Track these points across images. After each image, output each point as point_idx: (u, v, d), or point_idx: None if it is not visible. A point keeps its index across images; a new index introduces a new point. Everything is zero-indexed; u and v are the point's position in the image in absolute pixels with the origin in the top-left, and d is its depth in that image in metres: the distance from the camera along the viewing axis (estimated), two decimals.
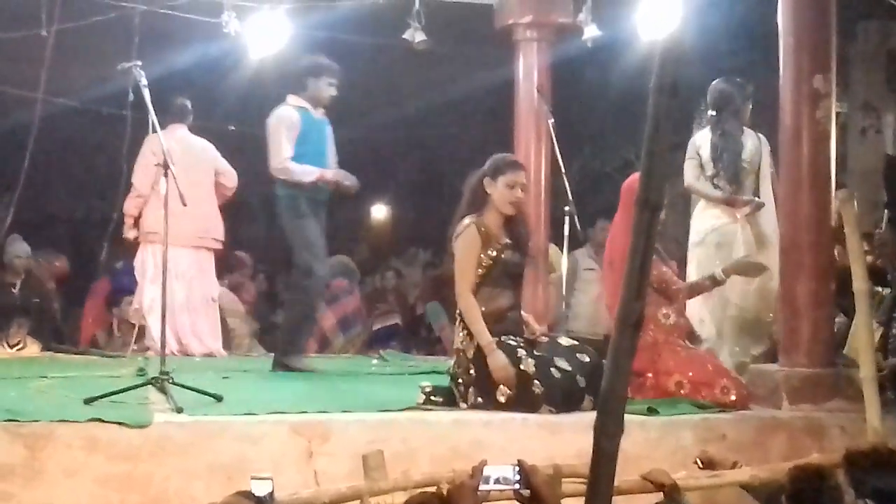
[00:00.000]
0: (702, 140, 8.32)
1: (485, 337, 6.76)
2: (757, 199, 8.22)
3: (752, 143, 8.30)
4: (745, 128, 8.36)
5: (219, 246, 10.39)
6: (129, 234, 10.23)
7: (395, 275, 14.84)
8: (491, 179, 6.99)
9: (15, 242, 10.99)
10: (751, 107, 8.51)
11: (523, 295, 7.38)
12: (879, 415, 6.45)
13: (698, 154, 8.31)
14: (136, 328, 10.01)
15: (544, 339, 7.05)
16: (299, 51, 10.83)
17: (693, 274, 8.19)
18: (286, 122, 8.89)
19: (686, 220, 8.65)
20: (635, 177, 7.72)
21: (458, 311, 6.98)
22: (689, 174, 8.31)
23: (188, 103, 10.24)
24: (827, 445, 6.56)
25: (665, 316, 7.38)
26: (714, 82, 8.38)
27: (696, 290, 7.71)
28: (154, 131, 7.64)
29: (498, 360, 6.71)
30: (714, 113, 8.33)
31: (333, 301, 12.17)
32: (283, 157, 8.70)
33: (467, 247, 6.89)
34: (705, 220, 8.35)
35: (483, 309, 6.85)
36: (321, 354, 11.25)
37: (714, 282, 7.59)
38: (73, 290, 12.58)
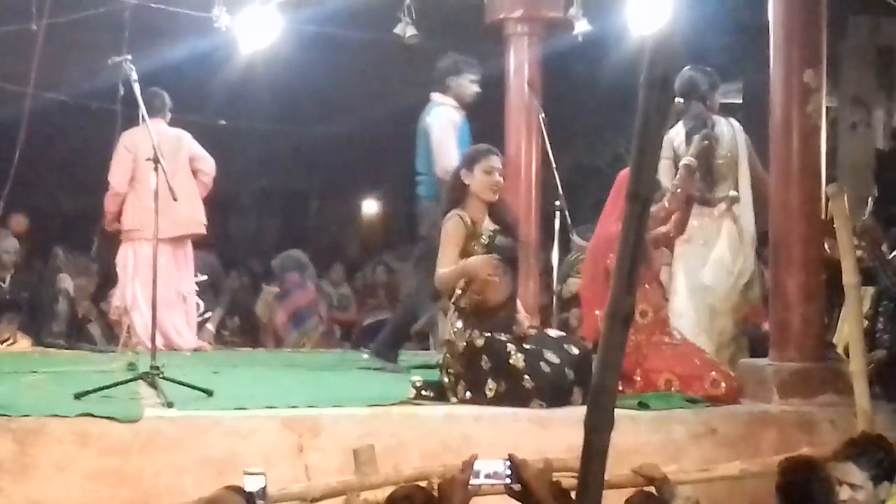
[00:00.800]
0: (675, 135, 8.25)
1: (457, 269, 6.83)
2: (733, 192, 8.15)
3: (727, 132, 8.22)
4: (715, 116, 8.30)
5: (202, 230, 10.34)
6: (111, 227, 10.23)
7: (385, 270, 14.83)
8: (467, 170, 7.05)
9: (4, 237, 10.97)
10: (718, 94, 8.48)
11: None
12: (870, 407, 6.46)
13: (674, 151, 8.23)
14: (126, 324, 9.99)
15: (533, 331, 7.06)
16: (289, 45, 10.83)
17: (680, 271, 8.16)
18: (452, 124, 8.80)
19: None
20: (626, 171, 7.74)
21: (452, 302, 6.99)
22: (664, 176, 8.05)
23: (163, 95, 10.19)
24: (817, 439, 6.58)
25: (643, 314, 7.36)
26: (682, 70, 8.32)
27: (679, 220, 7.70)
28: (141, 125, 7.63)
29: (474, 262, 6.79)
30: (682, 100, 8.27)
31: (285, 296, 12.17)
32: (453, 160, 8.32)
33: (451, 229, 6.94)
34: (691, 218, 8.33)
35: (479, 300, 6.86)
36: (276, 350, 11.21)
37: (688, 171, 7.63)
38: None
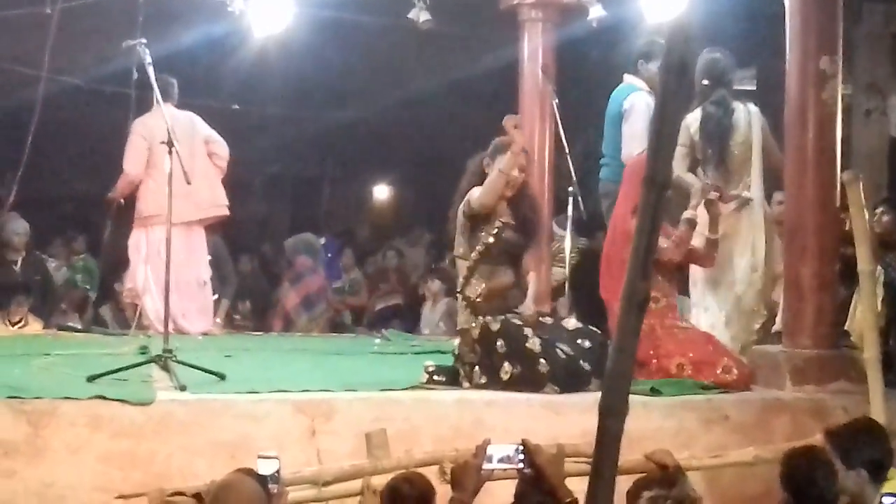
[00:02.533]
0: (692, 121, 8.20)
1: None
2: (745, 193, 8.09)
3: (743, 120, 8.17)
4: (735, 102, 8.24)
5: (224, 212, 10.33)
6: (114, 197, 10.20)
7: (396, 254, 14.83)
8: (491, 161, 6.99)
9: (14, 220, 10.98)
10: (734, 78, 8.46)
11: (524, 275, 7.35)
12: (883, 395, 6.46)
13: (691, 138, 8.17)
14: (138, 307, 10.00)
15: (549, 320, 7.03)
16: (303, 30, 10.82)
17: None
18: (649, 110, 8.56)
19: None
20: (638, 157, 7.70)
21: (458, 291, 6.98)
22: (678, 165, 7.95)
23: (173, 82, 10.17)
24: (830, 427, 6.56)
25: (654, 301, 7.34)
26: (704, 52, 8.25)
27: (680, 244, 7.60)
28: (155, 110, 7.62)
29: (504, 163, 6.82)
30: (707, 82, 8.20)
31: (297, 280, 12.16)
32: (638, 148, 8.30)
33: (489, 183, 6.88)
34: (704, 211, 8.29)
35: (484, 285, 6.85)
36: (285, 334, 11.20)
37: (690, 224, 7.55)
38: None
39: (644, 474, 5.23)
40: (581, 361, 6.73)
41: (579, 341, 6.83)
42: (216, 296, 10.76)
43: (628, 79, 8.96)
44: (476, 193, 6.88)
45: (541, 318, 7.01)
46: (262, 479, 4.53)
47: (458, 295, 7.03)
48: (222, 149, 10.32)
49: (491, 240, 6.90)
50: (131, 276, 10.19)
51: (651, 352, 7.23)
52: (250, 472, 4.55)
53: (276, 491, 4.58)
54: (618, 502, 3.64)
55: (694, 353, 7.25)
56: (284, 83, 14.54)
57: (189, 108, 10.32)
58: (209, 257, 10.46)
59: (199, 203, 9.69)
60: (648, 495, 4.78)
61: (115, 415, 5.86)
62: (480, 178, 6.99)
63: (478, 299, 6.89)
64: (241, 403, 6.13)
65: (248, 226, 17.79)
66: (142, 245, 10.02)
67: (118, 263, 11.00)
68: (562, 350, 6.72)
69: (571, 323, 7.03)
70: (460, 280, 6.98)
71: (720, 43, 8.42)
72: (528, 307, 7.07)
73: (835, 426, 5.44)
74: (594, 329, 7.02)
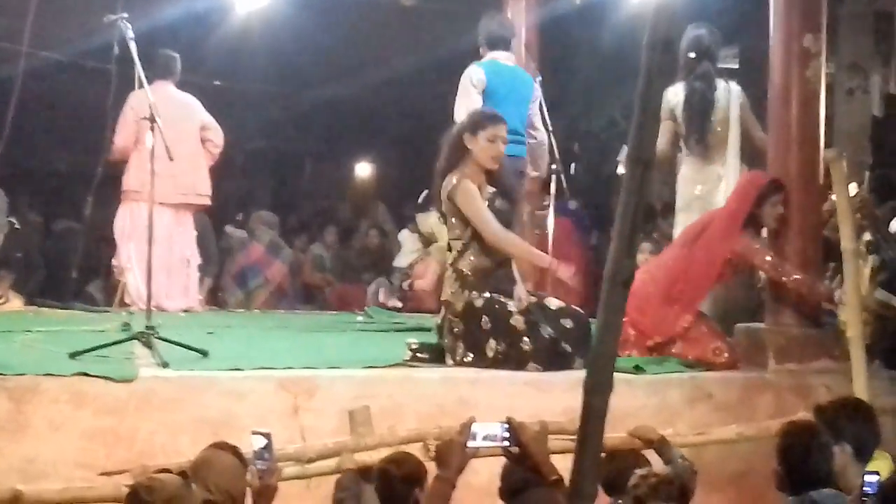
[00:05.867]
0: (675, 95, 8.20)
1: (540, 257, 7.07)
2: (720, 170, 8.10)
3: (723, 98, 8.18)
4: (717, 79, 8.26)
5: (205, 202, 10.30)
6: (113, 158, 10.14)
7: (378, 233, 14.81)
8: (471, 135, 6.93)
9: None
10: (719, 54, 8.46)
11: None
12: (865, 373, 6.48)
13: (671, 112, 8.17)
14: (121, 283, 9.97)
15: (533, 299, 7.00)
16: (286, 6, 10.78)
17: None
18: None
19: (673, 180, 8.57)
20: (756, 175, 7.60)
21: (450, 264, 6.96)
22: (660, 138, 7.88)
23: (176, 57, 10.12)
24: (813, 404, 6.56)
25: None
26: (689, 27, 8.25)
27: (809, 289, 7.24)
28: (140, 86, 7.58)
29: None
30: (693, 55, 8.20)
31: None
32: None
33: (473, 195, 6.85)
34: (688, 186, 8.30)
35: (476, 262, 6.85)
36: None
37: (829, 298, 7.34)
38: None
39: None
40: (563, 343, 6.72)
41: (562, 321, 6.82)
42: (200, 275, 10.72)
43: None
44: (481, 211, 6.88)
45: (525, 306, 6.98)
46: (239, 453, 4.54)
47: (448, 268, 7.00)
48: (217, 135, 10.27)
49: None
50: (117, 253, 10.16)
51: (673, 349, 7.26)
52: (227, 446, 4.57)
53: (267, 467, 4.59)
54: None
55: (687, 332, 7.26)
56: (267, 59, 14.50)
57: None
58: (195, 233, 10.41)
59: (179, 187, 9.64)
60: (640, 473, 4.79)
61: (97, 391, 5.85)
62: (459, 154, 6.96)
63: (468, 273, 6.87)
64: (224, 380, 6.12)
65: (230, 202, 17.76)
66: (126, 222, 9.98)
67: (102, 239, 10.96)
68: (545, 330, 6.71)
69: (554, 302, 7.00)
70: (453, 254, 6.95)
71: (703, 21, 8.41)
72: (520, 292, 7.01)
73: (823, 403, 5.47)
74: (577, 309, 7.00)
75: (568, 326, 6.78)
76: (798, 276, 7.03)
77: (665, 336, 7.23)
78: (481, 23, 8.72)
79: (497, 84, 8.30)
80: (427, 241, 12.08)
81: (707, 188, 8.14)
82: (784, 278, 7.05)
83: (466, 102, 8.13)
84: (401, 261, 12.94)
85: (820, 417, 5.19)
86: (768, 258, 7.11)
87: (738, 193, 7.44)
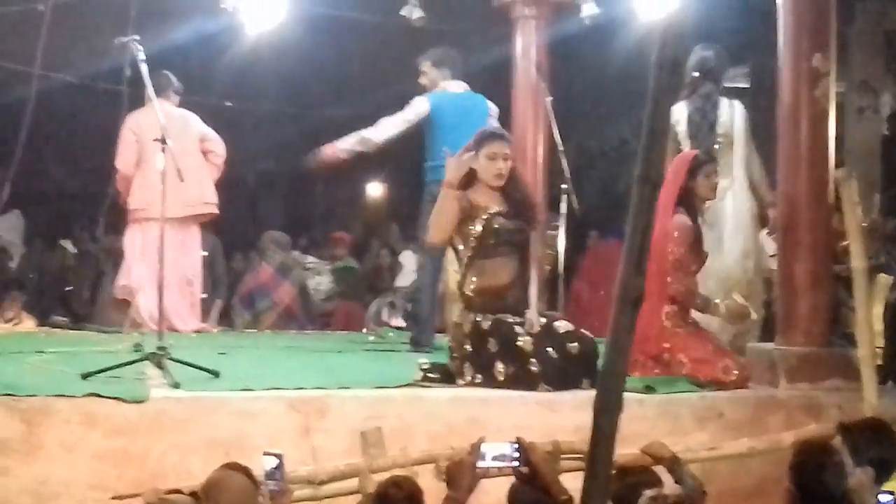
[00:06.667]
0: (678, 113, 8.24)
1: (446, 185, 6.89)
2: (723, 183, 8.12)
3: (726, 113, 8.23)
4: (720, 97, 8.31)
5: (212, 210, 10.29)
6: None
7: (390, 252, 14.83)
8: (474, 155, 6.98)
9: (10, 217, 10.98)
10: (727, 77, 8.50)
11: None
12: (876, 393, 6.47)
13: (674, 129, 8.21)
14: (132, 304, 9.99)
15: (542, 321, 6.96)
16: (296, 27, 10.82)
17: None
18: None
19: None
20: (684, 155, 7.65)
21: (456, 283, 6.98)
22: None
23: (171, 77, 10.15)
24: (824, 424, 6.56)
25: (672, 301, 7.36)
26: (695, 48, 8.31)
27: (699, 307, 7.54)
28: (150, 105, 7.62)
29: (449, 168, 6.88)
30: (697, 74, 8.25)
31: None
32: None
33: (442, 198, 6.90)
34: None
35: (479, 283, 6.85)
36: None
37: (706, 307, 7.51)
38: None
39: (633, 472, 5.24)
40: (568, 368, 6.70)
41: (568, 345, 6.78)
42: (205, 294, 10.73)
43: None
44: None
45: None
46: (251, 474, 4.54)
47: (457, 291, 7.01)
48: (218, 146, 10.29)
49: (479, 229, 6.87)
50: (125, 273, 10.17)
51: (660, 348, 7.25)
52: (238, 467, 4.57)
53: (279, 488, 4.59)
54: None
55: (694, 352, 7.25)
56: (278, 80, 14.57)
57: (182, 105, 10.31)
58: (205, 253, 10.43)
59: (185, 200, 9.63)
60: (650, 494, 4.78)
61: (109, 412, 5.86)
62: (468, 176, 6.98)
63: (471, 295, 6.88)
64: (235, 401, 6.13)
65: (241, 223, 17.80)
66: (136, 242, 10.00)
67: (113, 261, 10.98)
68: (552, 353, 6.70)
69: (563, 326, 6.97)
70: (458, 276, 6.97)
71: (712, 41, 8.44)
72: (532, 314, 6.95)
73: (849, 421, 5.44)
74: (585, 333, 6.97)
75: (574, 351, 6.74)
76: (682, 282, 7.17)
77: (654, 335, 7.19)
78: (428, 54, 9.17)
79: (444, 114, 8.70)
80: None
81: (713, 202, 8.14)
82: (669, 278, 7.10)
83: (392, 121, 8.81)
84: (403, 280, 13.00)
85: (845, 437, 5.15)
86: (680, 250, 7.14)
87: (670, 171, 7.46)
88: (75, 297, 12.13)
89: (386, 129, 8.84)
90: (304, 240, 16.25)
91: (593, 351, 6.63)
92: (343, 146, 8.73)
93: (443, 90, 8.90)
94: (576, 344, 6.77)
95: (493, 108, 8.99)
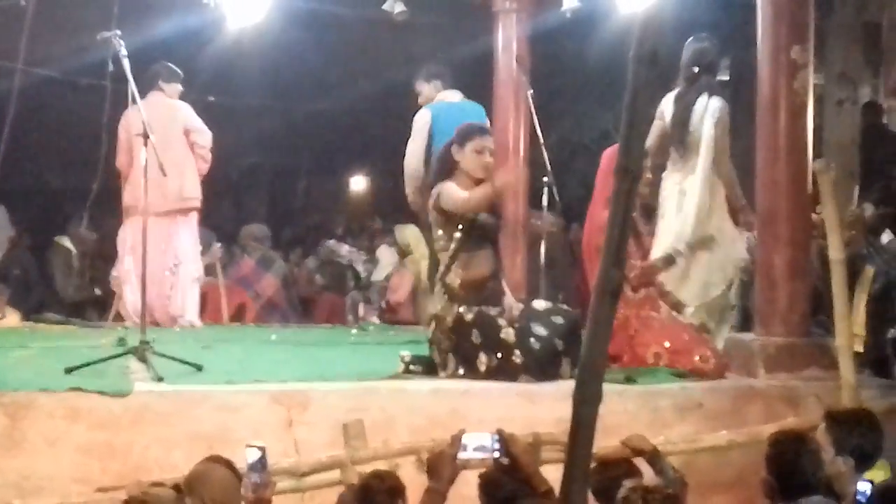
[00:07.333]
0: (667, 103, 8.24)
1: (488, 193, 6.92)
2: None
3: (697, 112, 8.17)
4: (701, 94, 8.28)
5: (194, 204, 10.24)
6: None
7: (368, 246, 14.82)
8: (459, 147, 7.06)
9: None
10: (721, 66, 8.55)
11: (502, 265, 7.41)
12: (855, 383, 6.51)
13: (663, 116, 8.21)
14: (115, 297, 9.99)
15: (520, 305, 7.06)
16: (278, 22, 10.82)
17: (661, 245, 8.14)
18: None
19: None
20: (612, 148, 7.75)
21: (438, 279, 7.00)
22: (649, 137, 7.94)
23: (158, 67, 10.12)
24: (802, 413, 6.61)
25: (635, 290, 7.40)
26: (688, 42, 8.28)
27: (650, 272, 7.66)
28: (133, 102, 7.61)
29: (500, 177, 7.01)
30: (696, 69, 8.22)
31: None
32: None
33: (453, 190, 6.94)
34: (664, 188, 8.32)
35: (465, 275, 6.89)
36: (264, 325, 11.16)
37: (667, 262, 7.57)
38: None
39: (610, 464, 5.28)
40: (555, 340, 6.78)
41: (552, 318, 6.89)
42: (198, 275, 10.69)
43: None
44: (451, 192, 6.93)
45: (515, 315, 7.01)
46: (233, 466, 4.56)
47: (437, 282, 7.04)
48: (202, 138, 10.19)
49: (466, 226, 6.92)
50: (118, 266, 10.18)
51: (626, 346, 7.29)
52: (221, 460, 4.59)
53: (261, 481, 4.61)
54: None
55: (670, 343, 7.29)
56: (260, 74, 14.54)
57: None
58: (192, 240, 10.38)
59: (166, 194, 9.63)
60: (630, 485, 4.81)
61: (92, 406, 5.88)
62: (449, 167, 7.05)
63: (457, 288, 6.92)
64: (219, 394, 6.15)
65: (225, 217, 17.79)
66: (127, 236, 9.99)
67: (99, 255, 10.97)
68: (536, 337, 6.76)
69: (542, 304, 7.09)
70: (441, 268, 7.01)
71: (691, 33, 8.44)
72: (509, 303, 7.06)
73: (836, 410, 5.48)
74: (565, 307, 7.10)
75: (559, 322, 6.85)
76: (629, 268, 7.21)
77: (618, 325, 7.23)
78: (417, 73, 9.50)
79: (443, 123, 8.81)
80: (403, 253, 12.22)
81: (676, 191, 8.13)
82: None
83: (412, 147, 9.19)
84: (378, 274, 13.05)
85: (830, 426, 5.17)
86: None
87: (600, 170, 7.65)
88: (69, 292, 12.12)
89: (414, 156, 9.23)
90: (288, 233, 16.25)
91: (577, 323, 6.71)
92: None
93: (440, 101, 9.26)
94: (559, 317, 6.86)
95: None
